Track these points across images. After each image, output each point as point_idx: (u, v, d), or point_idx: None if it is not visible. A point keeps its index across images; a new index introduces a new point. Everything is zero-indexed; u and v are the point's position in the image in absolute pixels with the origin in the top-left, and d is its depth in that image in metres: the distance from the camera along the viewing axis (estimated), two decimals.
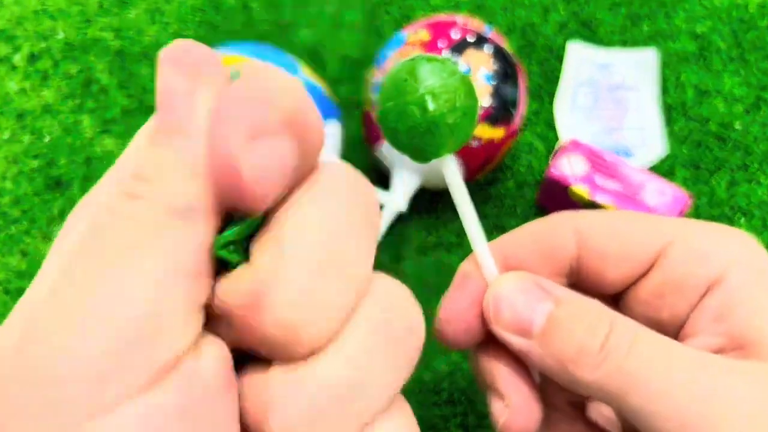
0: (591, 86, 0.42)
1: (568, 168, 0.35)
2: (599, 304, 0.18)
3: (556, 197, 0.36)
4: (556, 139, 0.40)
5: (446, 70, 0.17)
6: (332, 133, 0.34)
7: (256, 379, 0.13)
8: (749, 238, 0.18)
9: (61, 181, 0.39)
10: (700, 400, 0.16)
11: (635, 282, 0.19)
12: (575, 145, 0.35)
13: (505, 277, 0.19)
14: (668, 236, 0.18)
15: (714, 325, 0.17)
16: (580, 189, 0.34)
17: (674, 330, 0.18)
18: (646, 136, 0.40)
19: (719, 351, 0.17)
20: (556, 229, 0.19)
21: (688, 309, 0.18)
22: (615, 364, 0.16)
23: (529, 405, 0.19)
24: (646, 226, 0.19)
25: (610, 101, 0.42)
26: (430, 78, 0.16)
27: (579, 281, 0.20)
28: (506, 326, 0.18)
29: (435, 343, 0.34)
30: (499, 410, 0.19)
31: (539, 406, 0.19)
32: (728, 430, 0.15)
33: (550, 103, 0.42)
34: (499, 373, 0.19)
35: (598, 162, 0.35)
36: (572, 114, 0.41)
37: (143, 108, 0.42)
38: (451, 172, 0.19)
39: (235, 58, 0.32)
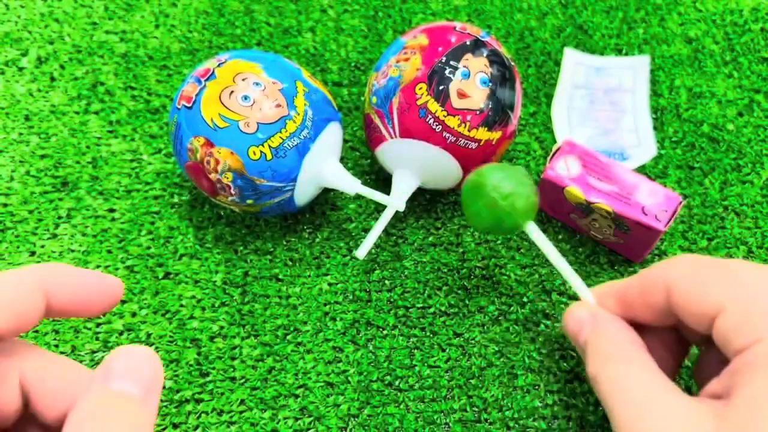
0: (587, 89, 0.43)
1: (564, 169, 0.35)
2: (619, 333, 0.27)
3: (553, 198, 0.36)
4: (553, 141, 0.41)
5: (512, 174, 0.30)
6: (333, 135, 0.35)
7: None
8: None
9: (68, 182, 0.40)
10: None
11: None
12: (571, 147, 0.36)
13: (579, 304, 0.29)
14: (721, 302, 0.24)
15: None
16: (575, 190, 0.34)
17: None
18: (641, 137, 0.41)
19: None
20: (651, 282, 0.26)
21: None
22: (598, 387, 0.26)
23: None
24: (707, 287, 0.24)
25: (606, 103, 0.43)
26: (502, 183, 0.29)
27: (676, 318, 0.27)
28: (569, 327, 0.29)
29: (434, 340, 0.35)
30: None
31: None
32: None
33: (547, 105, 0.43)
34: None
35: (591, 163, 0.35)
36: (569, 116, 0.42)
37: (149, 110, 0.43)
38: (535, 235, 0.30)
39: (240, 63, 0.33)
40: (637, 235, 0.34)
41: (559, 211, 0.37)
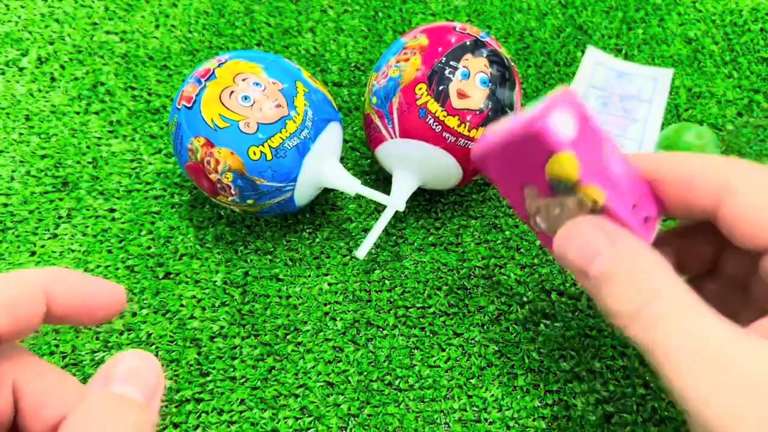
0: (604, 91, 0.43)
1: (566, 127, 0.22)
2: (658, 265, 0.20)
3: (516, 161, 0.24)
4: None
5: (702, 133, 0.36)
6: (333, 135, 0.35)
7: None
8: None
9: (68, 182, 0.40)
10: (705, 400, 0.18)
11: None
12: (569, 100, 0.22)
13: (583, 219, 0.22)
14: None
15: None
16: (571, 160, 0.22)
17: None
18: (644, 149, 0.41)
19: None
20: (703, 180, 0.21)
21: None
22: (642, 329, 0.19)
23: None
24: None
25: (620, 109, 0.42)
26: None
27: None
28: (572, 255, 0.22)
29: (434, 339, 0.35)
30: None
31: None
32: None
33: None
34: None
35: (587, 133, 0.23)
36: None
37: (149, 110, 0.43)
38: None
39: (240, 63, 0.33)
40: None
41: (510, 178, 0.25)
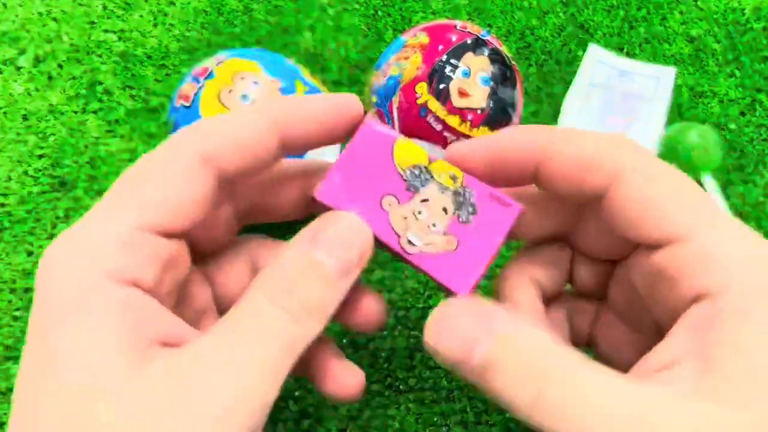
0: (606, 90, 0.43)
1: (385, 128, 0.21)
2: (539, 341, 0.18)
3: (363, 172, 0.21)
4: None
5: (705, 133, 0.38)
6: None
7: None
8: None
9: (66, 182, 0.39)
10: None
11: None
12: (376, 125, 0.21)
13: (454, 300, 0.19)
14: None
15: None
16: (412, 144, 0.21)
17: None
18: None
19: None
20: (593, 160, 0.19)
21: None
22: (549, 417, 0.16)
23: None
24: (672, 201, 0.19)
25: (621, 108, 0.42)
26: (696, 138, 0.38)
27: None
28: (446, 346, 0.18)
29: None
30: None
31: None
32: None
33: (549, 104, 0.42)
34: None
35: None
36: (579, 114, 0.42)
37: (147, 109, 0.42)
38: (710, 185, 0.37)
39: (239, 62, 0.33)
40: (484, 222, 0.21)
41: (363, 195, 0.21)
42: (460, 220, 0.21)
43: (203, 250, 0.22)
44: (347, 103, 0.21)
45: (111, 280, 0.17)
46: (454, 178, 0.21)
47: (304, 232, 0.20)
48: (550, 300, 0.24)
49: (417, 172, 0.21)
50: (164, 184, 0.18)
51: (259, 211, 0.23)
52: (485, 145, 0.21)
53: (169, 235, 0.18)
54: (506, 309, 0.19)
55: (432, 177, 0.21)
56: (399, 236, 0.21)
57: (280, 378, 0.18)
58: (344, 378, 0.22)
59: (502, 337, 0.18)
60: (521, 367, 0.17)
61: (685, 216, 0.18)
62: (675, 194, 0.18)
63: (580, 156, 0.19)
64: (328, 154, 0.34)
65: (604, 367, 0.17)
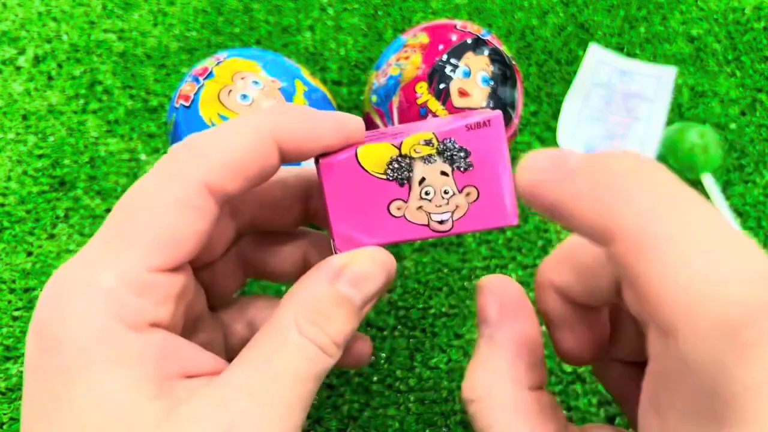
0: (607, 89, 0.43)
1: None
2: (501, 366, 0.18)
3: (353, 198, 0.21)
4: (554, 140, 0.41)
5: (705, 133, 0.38)
6: None
7: None
8: None
9: (65, 182, 0.39)
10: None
11: None
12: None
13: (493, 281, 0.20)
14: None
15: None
16: (372, 147, 0.20)
17: None
18: (645, 148, 0.40)
19: None
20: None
21: None
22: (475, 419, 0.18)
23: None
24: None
25: (622, 108, 0.42)
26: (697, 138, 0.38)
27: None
28: (479, 303, 0.20)
29: (435, 341, 0.35)
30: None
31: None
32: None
33: (549, 104, 0.42)
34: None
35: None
36: (580, 114, 0.42)
37: (147, 109, 0.42)
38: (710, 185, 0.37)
39: (239, 62, 0.33)
40: (482, 153, 0.20)
41: (372, 221, 0.21)
42: (462, 169, 0.20)
43: (202, 263, 0.22)
44: (355, 129, 0.20)
45: (128, 324, 0.17)
46: (429, 143, 0.20)
47: (331, 263, 0.20)
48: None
49: (395, 165, 0.20)
50: (168, 220, 0.18)
51: (258, 221, 0.23)
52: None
53: (176, 269, 0.18)
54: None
55: (411, 158, 0.20)
56: (427, 225, 0.21)
57: (308, 405, 0.18)
58: (354, 345, 0.24)
59: (487, 336, 0.19)
60: (479, 372, 0.19)
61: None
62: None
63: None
64: None
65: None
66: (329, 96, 0.35)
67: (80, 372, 0.16)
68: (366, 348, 0.25)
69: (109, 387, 0.16)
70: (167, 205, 0.17)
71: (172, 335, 0.18)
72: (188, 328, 0.21)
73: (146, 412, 0.16)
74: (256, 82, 0.32)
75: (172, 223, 0.17)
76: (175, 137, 0.32)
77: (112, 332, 0.16)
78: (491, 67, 0.33)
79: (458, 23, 0.35)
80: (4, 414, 0.32)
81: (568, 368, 0.33)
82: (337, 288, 0.19)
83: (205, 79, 0.32)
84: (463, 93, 0.32)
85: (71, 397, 0.16)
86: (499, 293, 0.20)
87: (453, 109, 0.32)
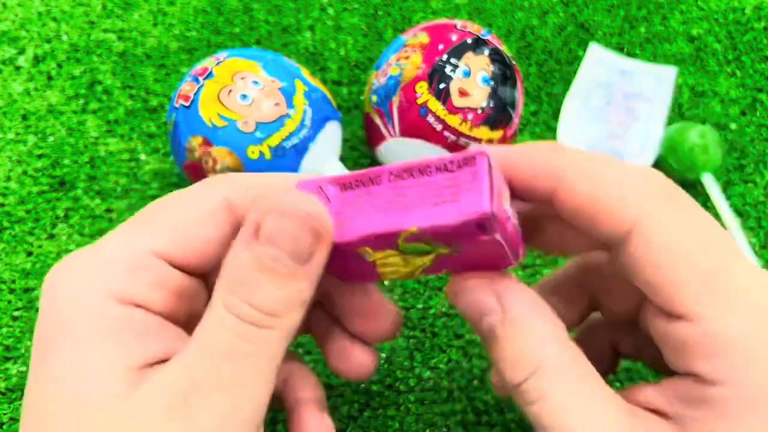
0: (607, 89, 0.43)
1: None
2: (543, 331, 0.18)
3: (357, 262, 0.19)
4: (554, 140, 0.41)
5: (705, 133, 0.37)
6: (333, 134, 0.34)
7: None
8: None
9: (65, 182, 0.39)
10: None
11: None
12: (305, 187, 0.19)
13: (478, 281, 0.19)
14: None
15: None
16: (364, 250, 0.19)
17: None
18: (645, 148, 0.40)
19: None
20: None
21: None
22: (525, 403, 0.18)
23: None
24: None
25: (622, 108, 0.42)
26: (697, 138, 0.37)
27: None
28: (462, 307, 0.20)
29: (435, 341, 0.35)
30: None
31: None
32: None
33: (549, 104, 0.42)
34: None
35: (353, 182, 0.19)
36: (580, 114, 0.42)
37: (146, 109, 0.42)
38: (710, 185, 0.37)
39: (239, 62, 0.33)
40: (477, 250, 0.18)
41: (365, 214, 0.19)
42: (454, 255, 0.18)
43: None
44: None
45: (112, 298, 0.17)
46: (412, 234, 0.18)
47: (247, 224, 0.17)
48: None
49: (410, 247, 0.18)
50: (184, 218, 0.19)
51: None
52: (500, 156, 0.18)
53: (183, 268, 0.19)
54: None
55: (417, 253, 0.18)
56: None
57: (258, 383, 0.17)
58: (356, 357, 0.23)
59: (508, 316, 0.18)
60: (518, 350, 0.18)
61: (704, 296, 0.17)
62: (697, 262, 0.17)
63: (594, 197, 0.17)
64: (328, 168, 0.34)
65: (595, 380, 0.18)
66: (329, 96, 0.35)
67: (54, 342, 0.17)
68: (365, 359, 0.23)
69: (83, 355, 0.16)
70: (187, 207, 0.19)
71: (159, 318, 0.18)
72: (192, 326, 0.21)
73: (107, 384, 0.16)
74: (256, 82, 0.32)
75: (185, 221, 0.19)
76: (175, 137, 0.32)
77: (92, 305, 0.17)
78: (491, 67, 0.33)
79: (458, 23, 0.35)
80: (4, 414, 0.32)
81: None
82: (254, 251, 0.17)
83: (205, 79, 0.32)
84: (463, 93, 0.32)
85: (45, 366, 0.17)
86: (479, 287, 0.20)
87: (453, 109, 0.32)
